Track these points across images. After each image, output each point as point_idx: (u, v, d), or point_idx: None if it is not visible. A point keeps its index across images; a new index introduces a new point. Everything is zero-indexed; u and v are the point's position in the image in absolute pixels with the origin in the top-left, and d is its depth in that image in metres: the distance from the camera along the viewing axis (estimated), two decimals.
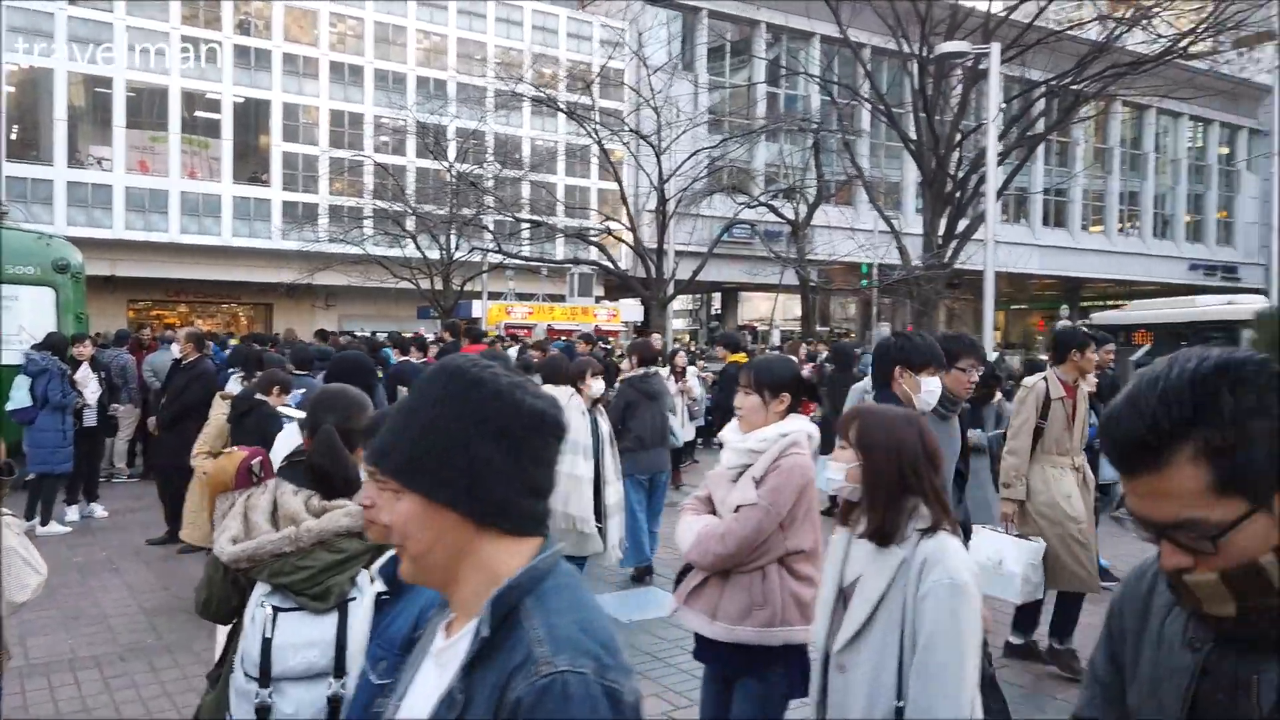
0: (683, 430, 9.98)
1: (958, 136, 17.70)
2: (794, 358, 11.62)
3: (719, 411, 10.74)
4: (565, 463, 5.28)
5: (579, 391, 5.69)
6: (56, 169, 33.33)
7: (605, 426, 5.85)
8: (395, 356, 11.15)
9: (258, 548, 2.04)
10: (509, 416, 1.17)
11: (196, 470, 5.74)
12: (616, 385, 7.72)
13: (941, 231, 18.13)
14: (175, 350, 8.47)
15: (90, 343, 9.15)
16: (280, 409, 4.84)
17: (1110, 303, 47.55)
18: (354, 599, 2.03)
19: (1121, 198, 50.13)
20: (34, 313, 10.07)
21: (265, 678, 1.99)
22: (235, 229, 36.80)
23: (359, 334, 23.54)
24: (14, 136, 33.27)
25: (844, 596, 2.28)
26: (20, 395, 7.91)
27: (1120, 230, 50.10)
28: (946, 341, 3.79)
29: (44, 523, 7.93)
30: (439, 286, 25.21)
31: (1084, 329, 5.68)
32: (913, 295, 17.98)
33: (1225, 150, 53.37)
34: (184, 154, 35.88)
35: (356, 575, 2.05)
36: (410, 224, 25.51)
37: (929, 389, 3.34)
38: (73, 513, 8.48)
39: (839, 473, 2.27)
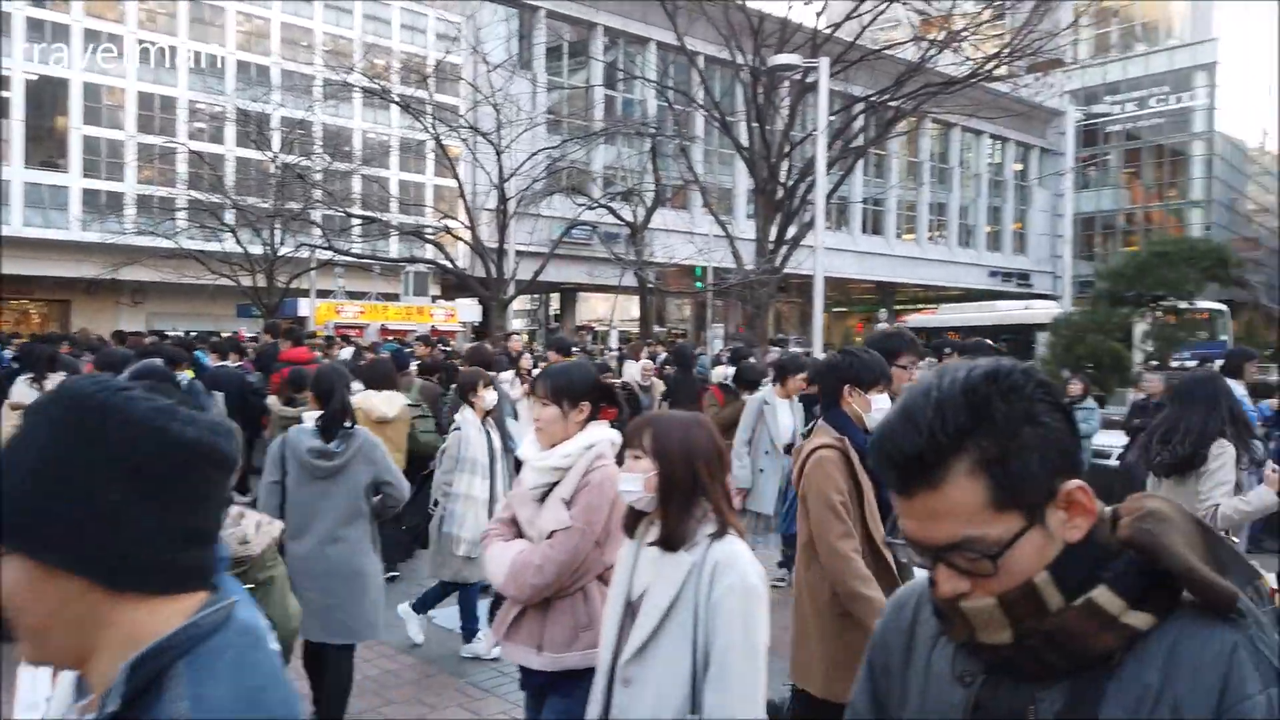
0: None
1: (788, 146, 18.47)
2: (637, 359, 11.78)
3: None
4: (462, 483, 5.09)
5: (471, 405, 5.33)
6: None
7: (497, 441, 5.48)
8: (212, 360, 10.48)
9: None
10: (148, 452, 0.94)
11: None
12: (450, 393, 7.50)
13: (773, 237, 18.85)
14: None
15: None
16: None
17: (920, 306, 51.03)
18: None
19: (931, 208, 53.85)
20: None
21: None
22: (27, 218, 33.47)
23: (171, 334, 21.99)
24: None
25: (632, 610, 2.22)
26: None
27: (930, 238, 53.78)
28: (885, 340, 3.75)
29: None
30: (262, 283, 23.89)
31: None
32: (745, 298, 18.62)
33: (1019, 167, 58.33)
34: None
35: None
36: (230, 217, 24.04)
37: (879, 406, 3.26)
38: None
39: (636, 483, 2.21)
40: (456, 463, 5.11)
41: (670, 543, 2.15)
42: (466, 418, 5.29)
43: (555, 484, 2.81)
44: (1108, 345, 10.50)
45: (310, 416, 4.03)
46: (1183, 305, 11.74)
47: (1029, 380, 1.03)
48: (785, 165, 18.50)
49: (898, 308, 51.37)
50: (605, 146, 33.98)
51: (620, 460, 2.39)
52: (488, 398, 5.42)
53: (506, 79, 18.33)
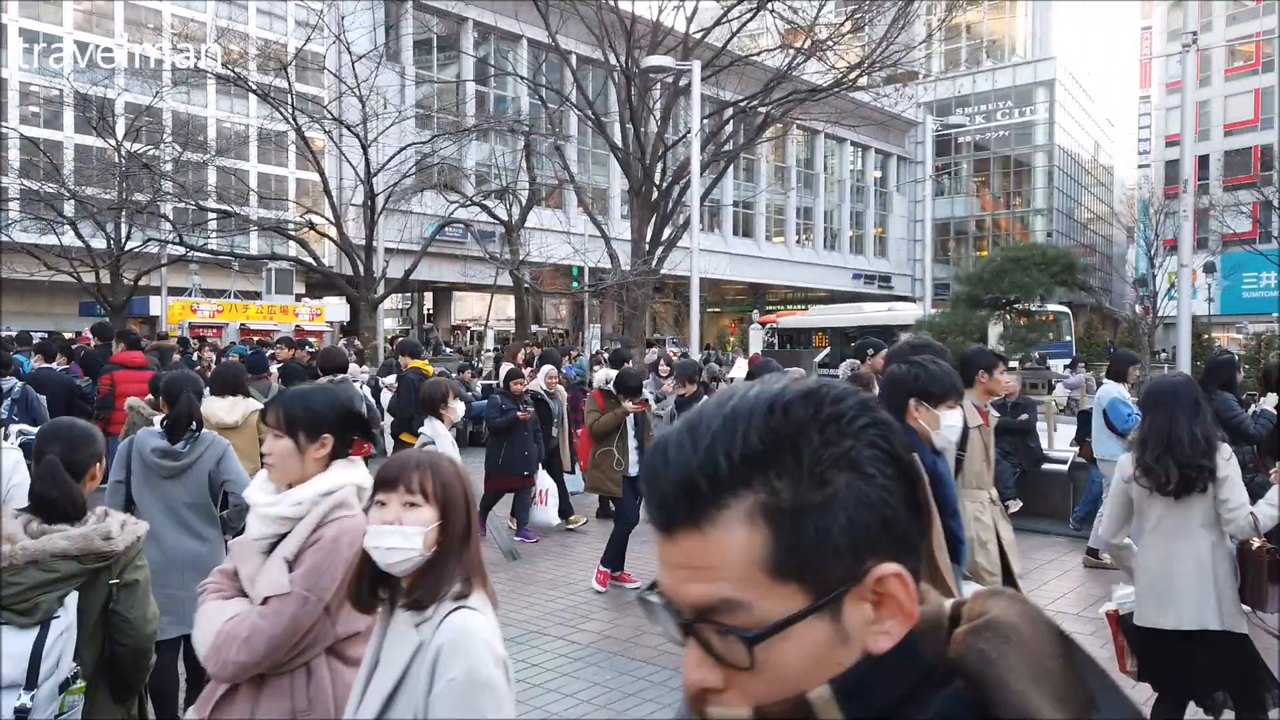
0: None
1: (662, 148, 18.59)
2: (513, 361, 11.54)
3: (398, 425, 8.93)
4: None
5: (440, 418, 5.08)
6: None
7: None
8: (34, 362, 9.65)
9: None
10: None
11: None
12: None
13: (648, 238, 18.92)
14: None
15: None
16: None
17: (789, 307, 52.51)
18: (58, 617, 2.20)
19: (798, 212, 55.48)
20: None
21: None
22: None
23: (4, 333, 20.26)
24: None
25: None
26: None
27: (798, 241, 55.39)
28: (975, 355, 3.61)
29: None
30: (106, 280, 22.24)
31: (992, 351, 5.13)
32: (622, 299, 18.62)
33: (879, 174, 60.85)
34: None
35: (66, 595, 2.24)
36: (70, 209, 22.27)
37: (949, 423, 2.95)
38: None
39: (415, 539, 1.78)
40: None
41: (421, 602, 1.79)
42: (438, 430, 4.98)
43: (285, 535, 2.25)
44: (966, 346, 11.00)
45: (158, 419, 4.11)
46: (1033, 308, 12.43)
47: (864, 413, 0.73)
48: (660, 167, 18.61)
49: (768, 308, 52.73)
50: (478, 144, 33.41)
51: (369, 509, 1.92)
52: (457, 409, 5.23)
53: (372, 70, 17.67)
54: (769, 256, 52.49)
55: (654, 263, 18.95)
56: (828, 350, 24.81)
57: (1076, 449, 9.11)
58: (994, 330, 12.22)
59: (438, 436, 5.01)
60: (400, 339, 11.82)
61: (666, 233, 18.86)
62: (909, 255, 60.44)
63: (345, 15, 24.26)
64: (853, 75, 19.25)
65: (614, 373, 7.96)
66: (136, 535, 2.48)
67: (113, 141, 21.68)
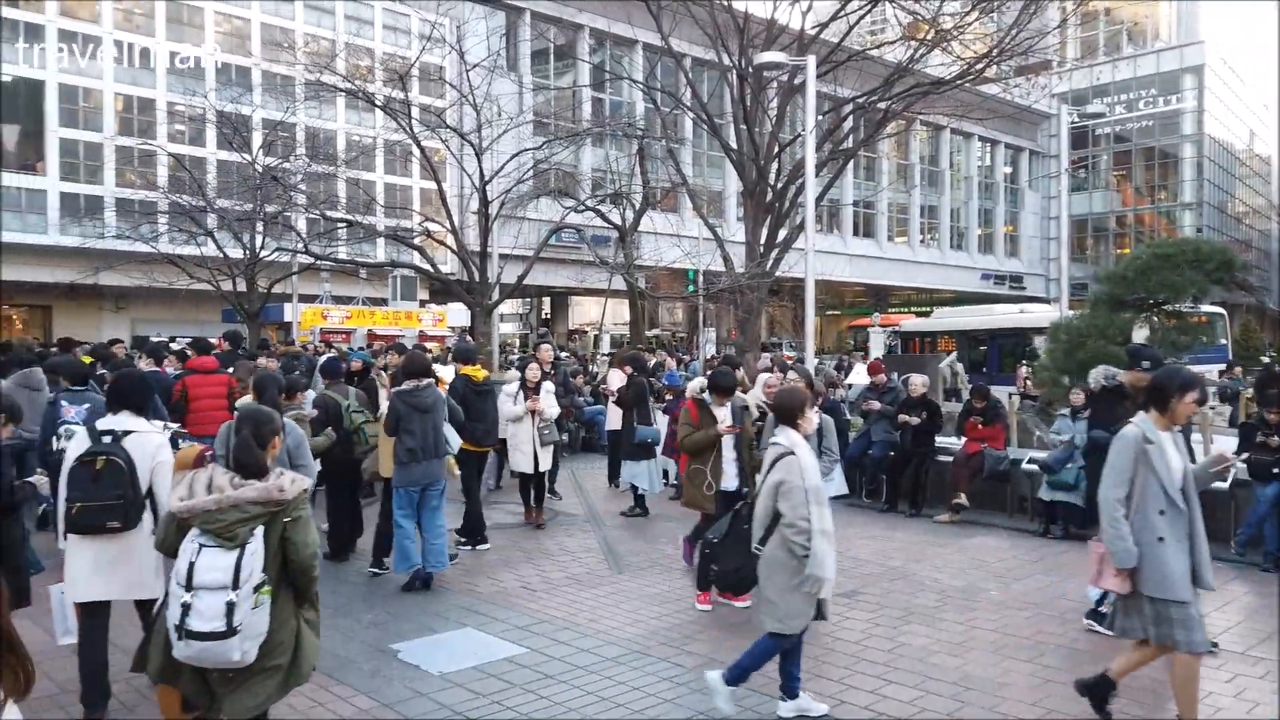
0: (527, 457, 8.97)
1: (776, 148, 18.06)
2: (621, 368, 11.36)
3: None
4: (815, 516, 4.41)
5: (796, 427, 4.68)
6: None
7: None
8: (142, 364, 10.12)
9: (194, 506, 3.24)
10: None
11: None
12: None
13: (763, 240, 18.44)
14: None
15: None
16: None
17: (913, 309, 50.73)
18: (250, 542, 3.21)
19: (922, 211, 53.60)
20: None
21: (189, 587, 3.14)
22: (5, 222, 32.84)
23: (156, 339, 21.62)
24: None
25: None
26: None
27: (921, 241, 53.52)
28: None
29: None
30: (243, 288, 23.36)
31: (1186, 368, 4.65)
32: (736, 302, 18.19)
33: (1009, 169, 58.18)
34: None
35: (255, 528, 3.25)
36: (211, 220, 23.52)
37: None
38: None
39: None
40: (805, 494, 4.35)
41: None
42: (794, 440, 4.54)
43: None
44: (1109, 351, 10.12)
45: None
46: (1184, 309, 11.38)
47: None
48: (774, 167, 18.08)
49: (890, 310, 51.12)
50: (593, 149, 33.59)
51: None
52: (812, 420, 4.99)
53: (486, 78, 17.86)
54: (891, 257, 50.91)
55: (768, 265, 18.46)
56: (954, 355, 23.67)
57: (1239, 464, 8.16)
58: (1139, 333, 11.24)
59: (795, 446, 4.51)
60: (457, 343, 11.80)
61: (782, 234, 18.32)
62: (1042, 254, 57.52)
63: (462, 24, 24.79)
64: (980, 66, 18.25)
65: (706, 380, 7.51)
66: (302, 488, 3.40)
67: (248, 156, 22.75)
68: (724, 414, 6.79)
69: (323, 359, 11.75)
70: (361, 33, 37.41)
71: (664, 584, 7.17)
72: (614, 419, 11.23)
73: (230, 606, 3.12)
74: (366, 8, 40.00)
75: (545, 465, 9.13)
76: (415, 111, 18.94)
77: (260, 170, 21.96)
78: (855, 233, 50.10)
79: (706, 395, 6.95)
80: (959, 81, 18.33)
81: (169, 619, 3.20)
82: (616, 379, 11.10)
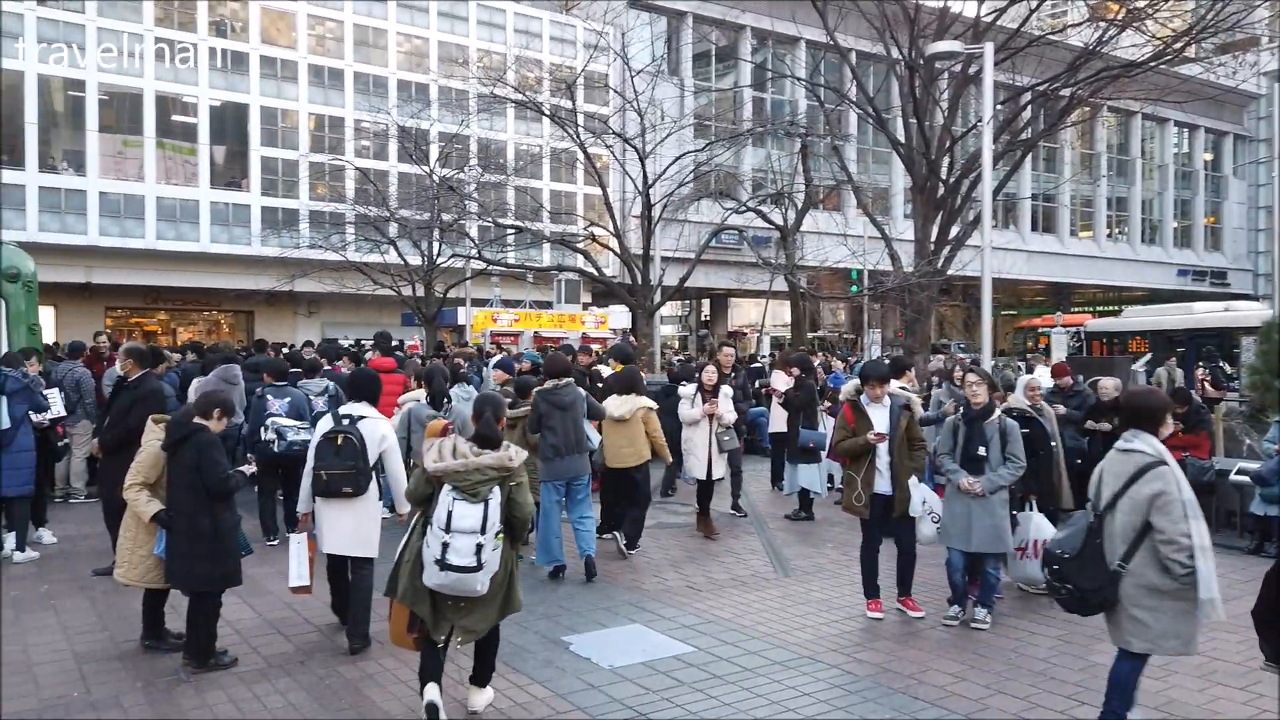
0: (702, 463, 8.64)
1: (948, 141, 17.30)
2: (785, 370, 11.19)
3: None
4: (1194, 530, 3.97)
5: (1155, 433, 4.29)
6: (28, 174, 32.55)
7: None
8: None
9: (447, 467, 4.12)
10: None
11: (129, 504, 5.24)
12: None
13: (933, 237, 17.73)
14: (117, 367, 8.06)
15: (37, 358, 8.56)
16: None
17: (1099, 309, 47.45)
18: (490, 498, 4.10)
19: (1109, 203, 50.05)
20: None
21: (448, 530, 4.04)
22: (214, 235, 36.12)
23: (343, 340, 23.20)
24: None
25: None
26: None
27: (1109, 235, 50.00)
28: None
29: (20, 548, 7.54)
30: (421, 293, 24.67)
31: None
32: (905, 302, 17.57)
33: (1210, 156, 53.42)
34: (160, 159, 35.16)
35: (492, 488, 4.13)
36: (392, 230, 24.99)
37: None
38: (47, 535, 8.18)
39: None
40: (1184, 507, 3.97)
41: None
42: (1159, 448, 4.18)
43: None
44: None
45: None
46: None
47: None
48: (946, 161, 17.33)
49: (1074, 309, 48.03)
50: (754, 149, 33.35)
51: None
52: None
53: (650, 83, 18.04)
54: (1074, 253, 47.83)
55: (939, 263, 17.73)
56: (1149, 356, 21.91)
57: None
58: None
59: (1163, 454, 4.14)
60: (613, 344, 11.87)
61: (954, 231, 17.55)
62: (1249, 247, 52.45)
63: (626, 31, 25.20)
64: (1178, 46, 16.80)
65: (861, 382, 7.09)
66: (524, 458, 4.32)
67: (427, 168, 24.01)
68: (880, 415, 6.34)
69: (494, 359, 12.22)
70: (530, 45, 38.79)
71: (831, 589, 7.00)
72: (777, 421, 11.08)
73: (479, 547, 4.05)
74: (535, 21, 41.39)
75: (719, 473, 8.77)
76: (580, 119, 19.37)
77: (437, 180, 23.13)
78: (1034, 228, 47.39)
79: (863, 398, 6.58)
80: (1154, 64, 16.97)
81: (430, 554, 4.09)
82: (781, 380, 10.94)
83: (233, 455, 6.94)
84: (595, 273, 20.27)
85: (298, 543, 5.45)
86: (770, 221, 22.38)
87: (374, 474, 5.38)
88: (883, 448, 6.28)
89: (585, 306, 36.74)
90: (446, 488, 4.09)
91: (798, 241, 22.77)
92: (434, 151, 25.22)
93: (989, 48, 13.08)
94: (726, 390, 8.97)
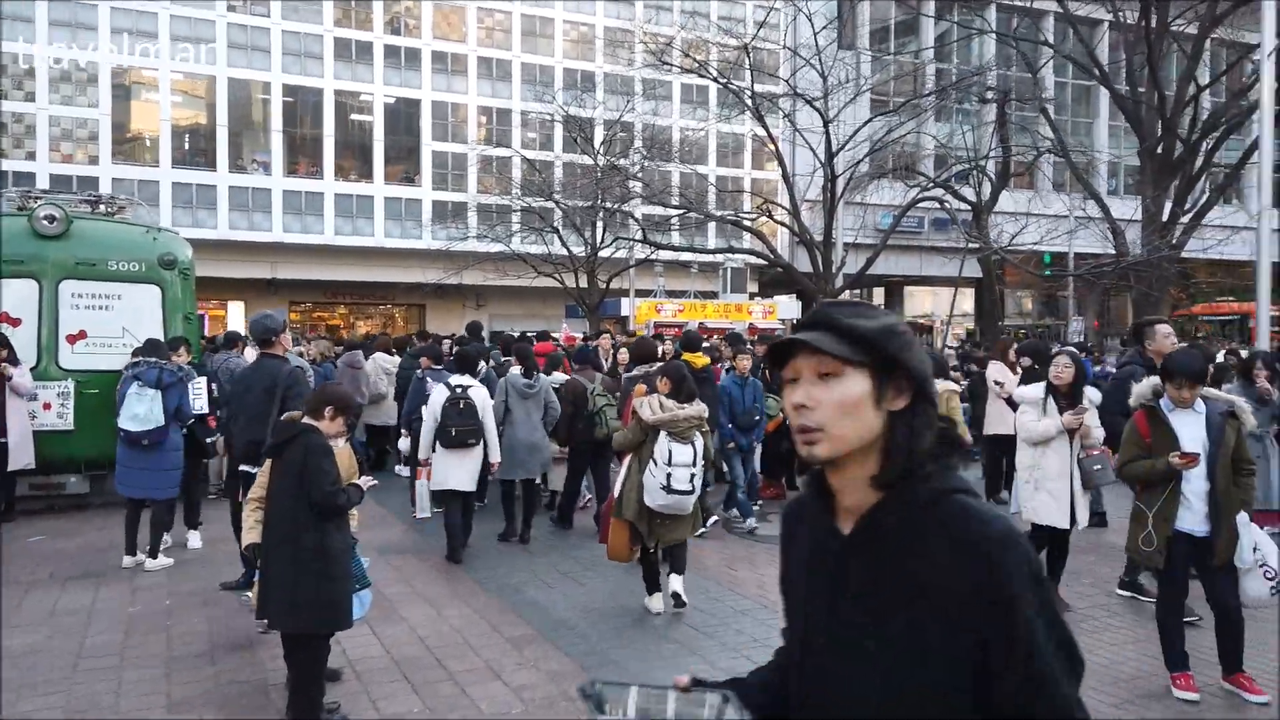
0: (1061, 505, 6.11)
1: (1191, 91, 14.68)
2: (1006, 360, 9.41)
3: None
4: None
5: None
6: (219, 174, 34.33)
7: None
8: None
9: (662, 418, 5.66)
10: None
11: (245, 521, 4.35)
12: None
13: (1166, 209, 15.20)
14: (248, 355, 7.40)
15: (186, 348, 8.04)
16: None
17: None
18: (694, 440, 5.68)
19: None
20: (138, 312, 9.20)
21: (670, 464, 5.58)
22: (388, 229, 37.04)
23: (509, 332, 22.90)
24: (187, 145, 34.58)
25: None
26: (149, 411, 6.89)
27: None
28: None
29: (153, 555, 6.94)
30: (584, 284, 23.94)
31: None
32: (1132, 285, 15.12)
33: None
34: (337, 156, 36.37)
35: (695, 431, 5.73)
36: (556, 218, 24.40)
37: None
38: (195, 539, 7.59)
39: None
40: None
41: None
42: None
43: None
44: None
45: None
46: None
47: None
48: (1188, 117, 14.75)
49: None
50: (935, 125, 30.70)
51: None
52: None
53: (830, 40, 16.30)
54: None
55: (1173, 239, 15.20)
56: None
57: None
58: None
59: None
60: (686, 331, 10.46)
61: (1198, 199, 14.96)
62: None
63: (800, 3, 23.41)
64: None
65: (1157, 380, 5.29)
66: (707, 412, 5.91)
67: (592, 153, 23.23)
68: (1190, 426, 4.63)
69: (579, 349, 11.26)
70: (698, 26, 37.65)
71: (1108, 648, 5.32)
72: (994, 420, 9.33)
73: (692, 476, 5.61)
74: (703, 3, 40.13)
75: (1083, 519, 5.98)
76: (752, 85, 17.86)
77: (602, 165, 22.28)
78: None
79: (1164, 402, 4.86)
80: None
81: (654, 483, 5.59)
82: (1001, 373, 9.18)
83: None
84: (771, 256, 18.73)
85: (423, 484, 7.32)
86: (961, 198, 20.14)
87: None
88: (1195, 471, 4.58)
89: (751, 296, 35.26)
90: (663, 434, 5.63)
91: (990, 222, 20.42)
92: (599, 134, 24.44)
93: None
94: (1093, 394, 6.19)
